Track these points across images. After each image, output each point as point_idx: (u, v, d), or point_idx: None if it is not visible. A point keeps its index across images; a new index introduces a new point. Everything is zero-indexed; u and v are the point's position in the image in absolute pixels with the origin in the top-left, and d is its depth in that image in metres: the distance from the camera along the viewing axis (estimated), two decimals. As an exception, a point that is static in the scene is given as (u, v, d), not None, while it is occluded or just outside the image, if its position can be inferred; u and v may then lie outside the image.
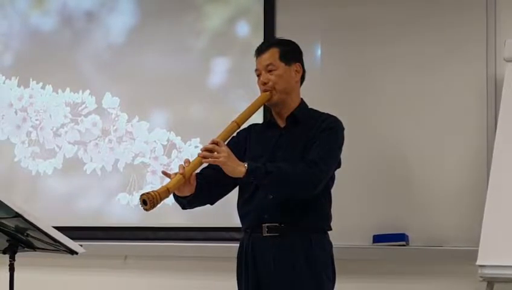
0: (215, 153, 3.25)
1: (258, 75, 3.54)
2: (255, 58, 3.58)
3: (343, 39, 4.53)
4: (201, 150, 3.31)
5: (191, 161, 3.32)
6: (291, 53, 3.55)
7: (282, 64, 3.49)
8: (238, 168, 3.26)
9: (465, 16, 4.30)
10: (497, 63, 4.20)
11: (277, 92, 3.48)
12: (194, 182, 3.34)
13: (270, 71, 3.48)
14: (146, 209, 3.15)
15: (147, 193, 3.14)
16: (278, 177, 3.29)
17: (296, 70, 3.54)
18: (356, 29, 4.49)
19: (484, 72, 4.23)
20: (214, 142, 3.28)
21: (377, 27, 4.45)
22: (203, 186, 3.38)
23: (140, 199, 3.15)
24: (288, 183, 3.31)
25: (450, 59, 4.31)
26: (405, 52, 4.39)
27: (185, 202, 3.43)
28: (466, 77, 4.27)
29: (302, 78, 3.60)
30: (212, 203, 3.57)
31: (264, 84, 3.49)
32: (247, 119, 3.47)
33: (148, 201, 3.12)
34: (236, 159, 3.29)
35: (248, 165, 3.28)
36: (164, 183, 3.32)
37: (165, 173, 3.36)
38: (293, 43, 3.63)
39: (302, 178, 3.30)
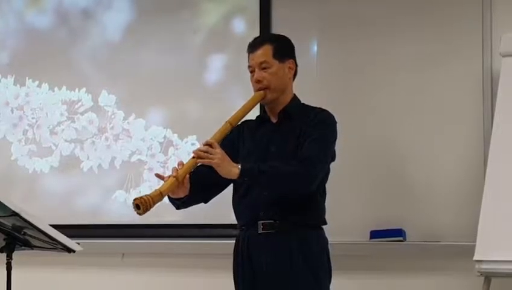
0: (209, 155, 3.24)
1: (251, 72, 3.51)
2: (247, 54, 3.55)
3: (339, 36, 4.53)
4: (194, 152, 3.29)
5: (184, 162, 3.30)
6: (284, 50, 3.52)
7: (276, 62, 3.46)
8: (232, 170, 3.25)
9: (461, 11, 4.30)
10: (493, 58, 4.20)
11: (271, 91, 3.46)
12: (187, 184, 3.32)
13: (263, 68, 3.46)
14: (139, 214, 3.14)
15: (140, 197, 3.13)
16: (272, 176, 3.28)
17: (290, 67, 3.52)
18: (352, 25, 4.49)
19: (480, 67, 4.23)
20: (208, 144, 3.26)
21: (373, 23, 4.45)
22: (197, 185, 3.36)
23: (133, 203, 3.14)
24: (283, 182, 3.30)
25: (446, 55, 4.31)
26: (401, 48, 4.40)
27: (179, 203, 3.43)
28: (462, 73, 4.27)
29: (295, 73, 3.57)
30: (206, 202, 3.56)
31: (258, 82, 3.47)
32: (240, 119, 3.43)
33: (141, 205, 3.11)
34: (230, 160, 3.28)
35: (241, 166, 3.26)
36: (158, 185, 3.29)
37: (158, 176, 3.35)
38: (286, 38, 3.61)
39: (296, 176, 3.29)
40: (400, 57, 4.40)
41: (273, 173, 3.28)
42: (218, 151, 3.25)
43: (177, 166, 3.29)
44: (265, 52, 3.47)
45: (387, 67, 4.43)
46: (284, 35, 3.64)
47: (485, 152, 4.07)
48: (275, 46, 3.48)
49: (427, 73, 4.34)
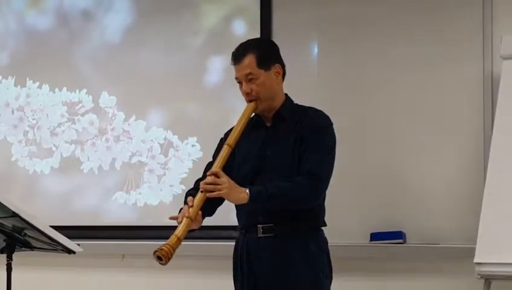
0: (217, 185, 3.21)
1: (239, 82, 3.46)
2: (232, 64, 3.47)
3: (340, 37, 4.53)
4: (201, 187, 3.25)
5: (194, 200, 3.24)
6: (268, 56, 3.45)
7: (262, 71, 3.40)
8: (241, 196, 3.23)
9: (462, 13, 4.30)
10: (494, 61, 4.20)
11: (262, 101, 3.42)
12: (200, 218, 3.30)
13: (250, 80, 3.40)
14: (162, 264, 3.10)
15: (160, 249, 3.09)
16: (281, 198, 3.25)
17: (277, 72, 3.46)
18: (352, 27, 4.49)
19: (481, 69, 4.24)
20: (213, 173, 3.24)
21: (373, 25, 4.45)
22: (203, 205, 3.30)
23: (154, 256, 3.10)
24: (291, 201, 3.28)
25: (447, 57, 4.31)
26: (402, 49, 4.40)
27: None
28: (463, 75, 4.27)
29: (284, 74, 3.51)
30: (211, 215, 3.54)
31: (247, 94, 3.43)
32: (238, 138, 3.38)
33: (163, 257, 3.09)
34: (238, 186, 3.25)
35: (250, 191, 3.24)
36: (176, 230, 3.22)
37: (172, 218, 3.29)
38: (268, 43, 3.58)
39: (303, 194, 3.28)
40: (400, 58, 4.40)
41: (280, 194, 3.25)
42: (225, 180, 3.22)
43: (188, 203, 3.25)
44: (249, 63, 3.40)
45: (387, 69, 4.43)
46: (265, 40, 3.60)
47: (485, 155, 4.07)
48: (257, 55, 3.41)
49: (427, 75, 4.34)
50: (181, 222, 3.21)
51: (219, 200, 3.44)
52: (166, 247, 3.10)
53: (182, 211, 3.27)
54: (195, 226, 3.30)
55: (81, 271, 4.91)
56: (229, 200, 3.28)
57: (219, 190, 3.21)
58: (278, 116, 3.49)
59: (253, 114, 3.56)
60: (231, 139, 3.37)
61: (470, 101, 4.25)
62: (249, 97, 3.44)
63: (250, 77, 3.41)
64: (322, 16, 4.58)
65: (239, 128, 3.40)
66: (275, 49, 3.53)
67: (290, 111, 3.49)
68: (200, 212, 3.26)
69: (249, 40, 3.58)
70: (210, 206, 3.41)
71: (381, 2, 4.46)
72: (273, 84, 3.46)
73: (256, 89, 3.42)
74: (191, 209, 3.22)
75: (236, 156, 3.50)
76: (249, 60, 3.41)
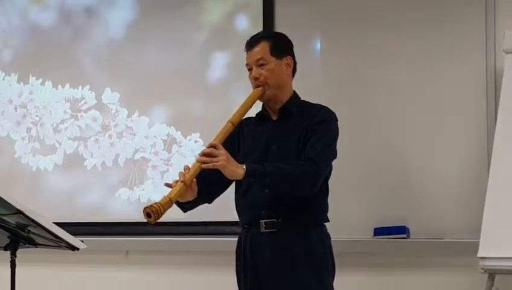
0: (214, 157, 3.23)
1: (249, 70, 3.50)
2: (245, 52, 3.52)
3: (343, 33, 4.53)
4: (199, 154, 3.28)
5: (190, 167, 3.28)
6: (281, 46, 3.50)
7: (273, 59, 3.45)
8: (238, 171, 3.24)
9: (465, 8, 4.30)
10: (497, 55, 4.21)
11: (269, 87, 3.44)
12: (195, 187, 3.32)
13: (261, 65, 3.44)
14: (150, 222, 3.12)
15: (150, 205, 3.11)
16: (277, 177, 3.27)
17: (287, 64, 3.50)
18: (355, 22, 4.49)
19: (484, 64, 4.24)
20: (212, 146, 3.25)
21: (376, 20, 4.45)
22: (201, 186, 3.35)
23: (144, 212, 3.12)
24: (288, 183, 3.29)
25: (450, 52, 4.31)
26: (404, 45, 4.40)
27: (187, 207, 3.42)
28: (466, 69, 4.27)
29: (294, 70, 3.56)
30: (210, 202, 3.55)
31: (256, 79, 3.45)
32: (241, 117, 3.42)
33: (152, 214, 3.10)
34: (235, 161, 3.27)
35: (246, 166, 3.25)
36: (166, 193, 3.24)
37: (168, 185, 3.31)
38: (283, 35, 3.59)
39: (301, 177, 3.29)
40: (402, 54, 4.40)
41: (277, 173, 3.26)
42: (223, 152, 3.23)
43: (183, 170, 3.27)
44: (262, 49, 3.45)
45: (390, 65, 4.43)
46: (281, 32, 3.62)
47: (488, 149, 4.08)
48: (272, 43, 3.47)
49: (430, 70, 4.34)
50: (175, 186, 3.22)
51: (219, 186, 3.47)
52: (157, 205, 3.11)
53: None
54: (190, 197, 3.32)
55: (85, 268, 4.92)
56: (225, 173, 3.26)
57: (215, 162, 3.22)
58: (285, 110, 3.50)
59: (260, 110, 3.57)
60: (234, 117, 3.39)
61: (473, 95, 4.25)
62: (257, 82, 3.46)
63: (261, 62, 3.44)
64: (324, 12, 4.57)
65: (243, 108, 3.43)
66: (289, 42, 3.57)
67: (296, 106, 3.50)
68: (195, 180, 3.27)
69: (265, 31, 3.63)
70: (211, 191, 3.45)
71: (383, -2, 4.47)
72: (283, 74, 3.49)
73: (265, 74, 3.44)
74: (186, 175, 3.23)
75: (242, 148, 3.52)
76: (263, 46, 3.46)
